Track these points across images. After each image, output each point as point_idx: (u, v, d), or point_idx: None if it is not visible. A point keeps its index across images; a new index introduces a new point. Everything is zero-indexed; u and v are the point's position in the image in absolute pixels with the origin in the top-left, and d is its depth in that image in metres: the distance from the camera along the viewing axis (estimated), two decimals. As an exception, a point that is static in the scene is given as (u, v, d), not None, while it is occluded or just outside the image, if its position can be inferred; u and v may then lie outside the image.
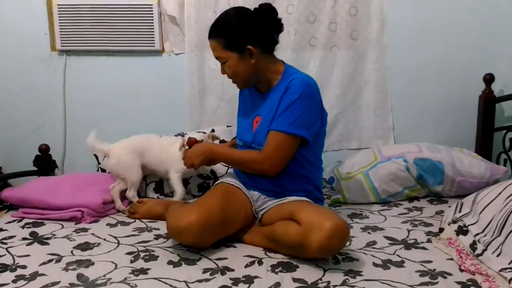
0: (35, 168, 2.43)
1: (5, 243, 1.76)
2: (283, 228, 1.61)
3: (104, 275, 1.47)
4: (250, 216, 1.81)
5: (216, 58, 1.79)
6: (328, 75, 2.59)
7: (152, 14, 2.54)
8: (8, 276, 1.49)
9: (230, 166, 2.17)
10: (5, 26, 2.62)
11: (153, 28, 2.56)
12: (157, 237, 1.79)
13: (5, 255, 1.66)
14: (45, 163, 2.45)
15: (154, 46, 2.58)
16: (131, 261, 1.58)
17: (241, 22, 1.73)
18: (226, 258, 1.60)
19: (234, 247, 1.71)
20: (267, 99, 1.80)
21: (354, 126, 2.68)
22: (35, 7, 2.59)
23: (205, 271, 1.50)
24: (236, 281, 1.42)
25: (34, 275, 1.49)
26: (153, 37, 2.57)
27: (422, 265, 1.51)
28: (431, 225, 1.87)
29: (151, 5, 2.53)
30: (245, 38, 1.71)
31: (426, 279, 1.41)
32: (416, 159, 2.21)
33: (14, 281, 1.45)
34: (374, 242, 1.70)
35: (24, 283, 1.44)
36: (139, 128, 2.59)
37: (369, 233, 1.81)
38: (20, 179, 2.41)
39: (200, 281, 1.43)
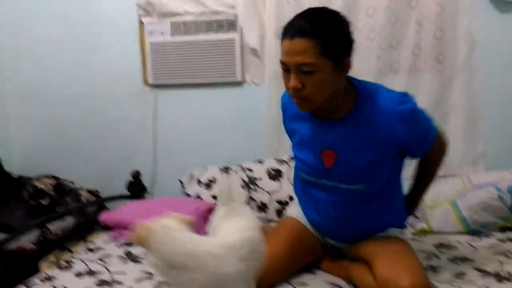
0: (128, 193, 2.61)
1: (105, 262, 1.89)
2: (360, 275, 1.54)
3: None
4: (320, 251, 1.73)
5: (299, 65, 1.36)
6: (411, 100, 2.52)
7: (234, 47, 2.67)
8: (107, 292, 1.61)
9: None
10: (103, 63, 2.87)
11: (234, 61, 2.68)
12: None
13: (104, 272, 1.78)
14: (137, 188, 2.63)
15: (235, 77, 2.70)
16: None
17: (343, 26, 1.40)
18: (307, 285, 1.59)
19: (313, 273, 1.69)
20: (340, 128, 1.50)
21: (441, 153, 2.56)
22: (129, 46, 2.81)
23: (286, 295, 1.51)
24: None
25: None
26: (235, 69, 2.69)
27: (518, 300, 1.40)
28: (527, 257, 1.73)
29: (233, 39, 2.66)
30: (345, 47, 1.40)
31: (523, 315, 1.31)
32: (511, 187, 2.07)
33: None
34: (462, 274, 1.61)
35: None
36: (221, 156, 2.71)
37: (457, 264, 1.71)
38: (115, 202, 2.59)
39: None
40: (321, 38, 1.34)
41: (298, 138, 1.64)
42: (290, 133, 1.71)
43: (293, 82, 1.38)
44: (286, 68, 1.41)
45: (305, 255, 1.69)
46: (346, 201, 1.57)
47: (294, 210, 1.81)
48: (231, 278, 1.17)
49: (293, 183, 1.89)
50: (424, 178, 1.72)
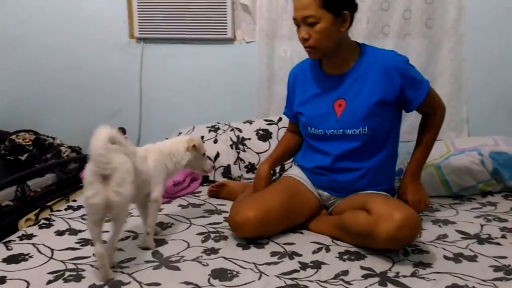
0: (113, 150, 2.58)
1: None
2: (352, 216, 1.61)
3: (178, 253, 1.54)
4: (315, 209, 1.81)
5: (304, 18, 1.61)
6: (400, 64, 2.52)
7: (225, 3, 2.60)
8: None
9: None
10: (88, 15, 2.78)
11: (226, 17, 2.62)
12: (226, 219, 1.82)
13: (86, 230, 1.50)
14: (122, 145, 2.59)
15: (226, 34, 2.64)
16: (202, 241, 1.64)
17: None
18: (293, 244, 1.63)
19: (301, 233, 1.73)
20: (347, 79, 1.71)
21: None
22: (115, -3, 2.72)
23: (273, 254, 1.54)
24: (304, 265, 1.46)
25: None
26: (226, 26, 2.63)
27: (496, 260, 1.46)
28: (505, 220, 1.80)
29: (224, -6, 2.59)
30: (344, 1, 1.63)
31: (500, 274, 1.37)
32: (492, 153, 2.12)
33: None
34: (445, 236, 1.67)
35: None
36: (209, 115, 2.68)
37: (439, 226, 1.77)
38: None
39: (268, 264, 1.47)
40: None
41: (308, 97, 1.81)
42: (298, 96, 1.85)
43: (301, 33, 1.64)
44: (297, 23, 1.66)
45: (300, 212, 1.75)
46: (349, 150, 1.72)
47: (293, 171, 1.90)
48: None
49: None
50: (423, 144, 1.82)
